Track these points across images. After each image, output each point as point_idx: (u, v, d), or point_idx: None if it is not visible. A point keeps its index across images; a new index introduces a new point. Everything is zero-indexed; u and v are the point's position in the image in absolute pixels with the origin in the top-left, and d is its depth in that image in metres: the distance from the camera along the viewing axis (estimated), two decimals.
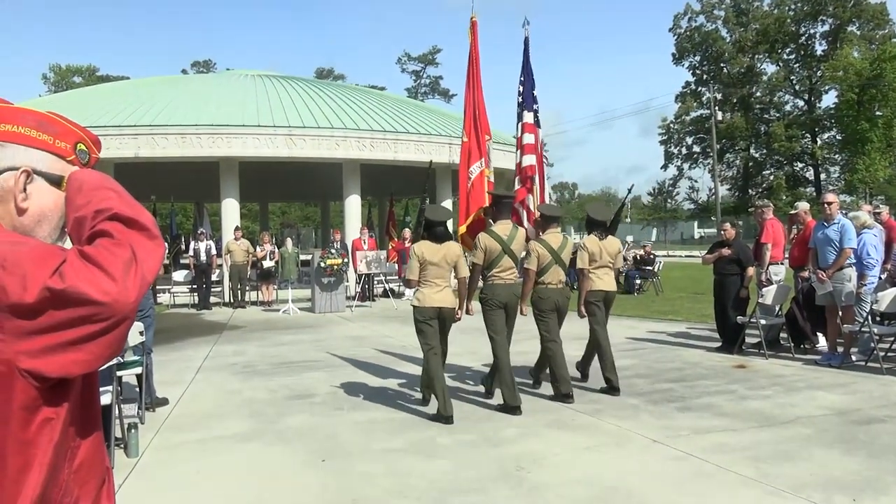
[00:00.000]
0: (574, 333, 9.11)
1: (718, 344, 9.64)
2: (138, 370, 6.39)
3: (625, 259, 20.38)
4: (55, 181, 1.39)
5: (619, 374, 7.35)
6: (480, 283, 6.84)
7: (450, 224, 7.02)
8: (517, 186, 8.67)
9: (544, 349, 7.10)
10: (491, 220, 7.14)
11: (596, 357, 7.51)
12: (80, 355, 1.19)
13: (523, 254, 7.00)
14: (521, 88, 8.90)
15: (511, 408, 6.38)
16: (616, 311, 14.37)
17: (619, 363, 8.67)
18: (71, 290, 1.15)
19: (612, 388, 7.16)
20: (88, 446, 1.35)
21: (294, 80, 24.33)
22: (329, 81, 53.59)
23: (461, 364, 8.78)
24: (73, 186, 1.36)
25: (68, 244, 1.31)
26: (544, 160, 9.41)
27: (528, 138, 8.73)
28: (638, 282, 19.01)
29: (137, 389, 6.59)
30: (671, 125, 63.75)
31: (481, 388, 7.40)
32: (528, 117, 8.78)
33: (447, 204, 20.70)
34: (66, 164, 1.42)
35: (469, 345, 9.88)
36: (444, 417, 6.09)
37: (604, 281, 7.40)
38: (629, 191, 9.88)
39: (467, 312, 6.85)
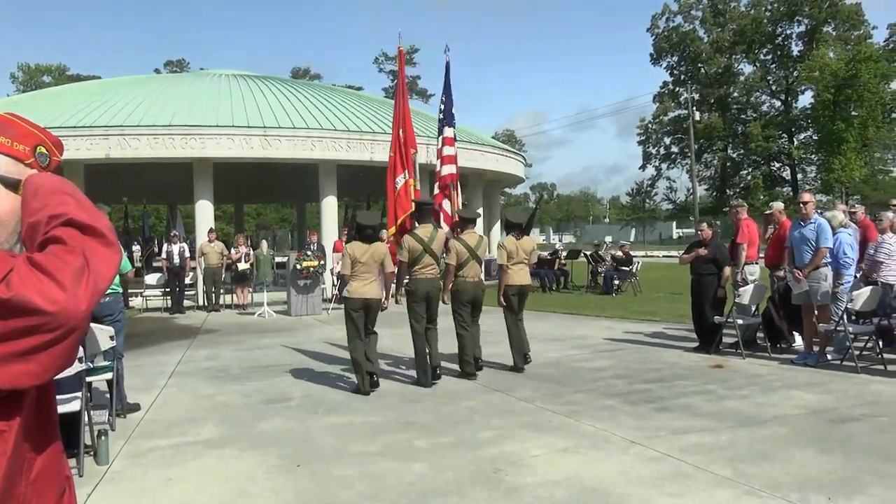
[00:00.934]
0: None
1: (696, 344, 9.71)
2: (109, 375, 6.32)
3: (602, 259, 20.53)
4: (12, 185, 1.36)
5: (597, 374, 7.48)
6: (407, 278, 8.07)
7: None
8: (435, 192, 10.08)
9: (458, 335, 8.18)
10: (416, 224, 8.59)
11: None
12: (31, 366, 1.15)
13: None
14: (442, 107, 10.40)
15: (422, 383, 7.77)
16: (594, 312, 14.53)
17: (596, 364, 8.77)
18: (17, 299, 1.12)
19: (516, 368, 8.45)
20: (46, 458, 1.32)
21: (269, 80, 24.20)
22: (305, 81, 53.31)
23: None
24: (29, 190, 1.33)
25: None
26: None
27: (448, 150, 10.11)
28: (616, 282, 19.11)
29: (108, 395, 6.52)
30: (649, 125, 64.20)
31: (458, 388, 7.42)
32: (449, 132, 10.17)
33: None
34: (25, 168, 1.38)
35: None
36: (363, 392, 7.39)
37: (520, 276, 8.55)
38: (539, 199, 11.03)
39: (396, 302, 8.56)
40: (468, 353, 8.16)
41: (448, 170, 10.05)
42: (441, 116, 10.37)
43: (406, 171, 9.77)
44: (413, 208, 9.19)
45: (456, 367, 8.34)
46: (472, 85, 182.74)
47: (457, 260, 8.13)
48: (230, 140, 17.81)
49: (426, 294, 7.91)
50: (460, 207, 10.04)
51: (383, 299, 7.76)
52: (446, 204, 9.87)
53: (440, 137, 10.19)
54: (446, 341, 8.49)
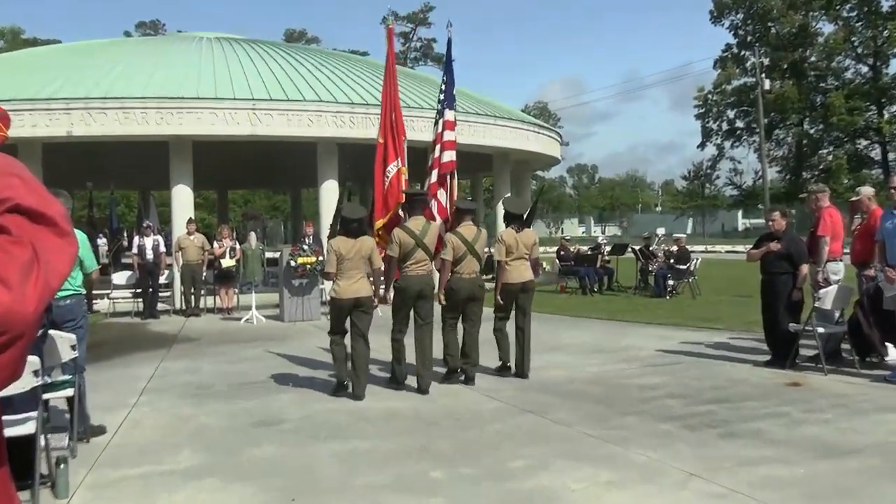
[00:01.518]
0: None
1: (767, 357, 9.62)
2: (69, 392, 6.33)
3: (653, 255, 20.42)
4: None
5: (648, 393, 7.56)
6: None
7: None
8: (432, 180, 10.57)
9: (444, 336, 8.74)
10: (406, 216, 9.13)
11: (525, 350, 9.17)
12: None
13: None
14: (443, 87, 10.97)
15: (397, 383, 8.59)
16: (644, 318, 14.47)
17: (647, 380, 8.72)
18: None
19: (504, 368, 9.21)
20: None
21: (259, 45, 24.29)
22: (301, 46, 53.62)
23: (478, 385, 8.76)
24: None
25: None
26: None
27: (449, 135, 10.65)
28: (670, 283, 19.01)
29: (68, 416, 6.54)
30: (709, 96, 63.89)
31: (483, 409, 7.40)
32: (450, 115, 10.72)
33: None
34: None
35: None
36: (344, 388, 8.25)
37: (519, 272, 8.98)
38: (541, 189, 11.48)
39: (382, 301, 8.86)
40: (452, 351, 8.80)
41: (448, 156, 10.60)
42: (442, 97, 10.92)
43: (399, 159, 10.41)
44: (404, 199, 9.75)
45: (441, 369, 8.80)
46: (496, 48, 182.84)
47: (453, 255, 8.60)
48: (213, 115, 17.89)
49: (418, 292, 8.42)
50: (456, 198, 10.63)
51: (373, 297, 8.40)
52: (441, 194, 10.45)
53: (441, 121, 10.74)
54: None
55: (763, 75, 52.54)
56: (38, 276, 1.15)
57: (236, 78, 19.52)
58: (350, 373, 8.28)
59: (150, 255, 16.90)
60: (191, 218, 17.99)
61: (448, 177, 10.53)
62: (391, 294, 8.86)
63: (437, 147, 10.63)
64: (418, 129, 18.54)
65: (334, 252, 8.18)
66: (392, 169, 10.33)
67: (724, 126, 64.63)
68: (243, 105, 18.14)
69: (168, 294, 18.19)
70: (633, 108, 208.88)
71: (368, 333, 8.42)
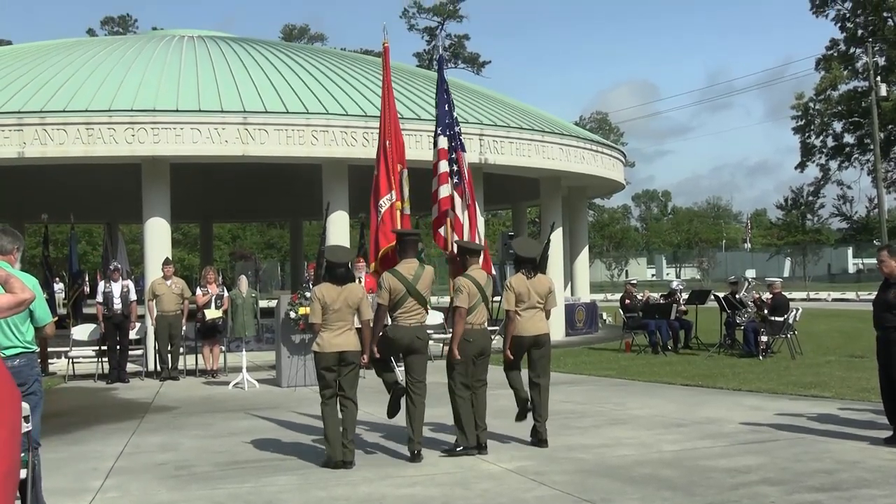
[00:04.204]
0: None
1: (888, 433, 9.52)
2: (21, 474, 6.38)
3: (742, 304, 20.27)
4: None
5: (737, 478, 7.53)
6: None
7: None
8: (434, 215, 11.43)
9: (456, 399, 9.09)
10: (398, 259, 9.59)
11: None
12: None
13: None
14: (436, 111, 11.80)
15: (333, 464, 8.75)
16: (731, 384, 14.36)
17: (736, 462, 8.65)
18: None
19: (539, 441, 9.48)
20: None
21: (251, 45, 24.59)
22: (302, 45, 54.35)
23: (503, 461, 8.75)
24: None
25: None
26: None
27: (443, 166, 11.34)
28: (763, 339, 18.82)
29: (19, 502, 6.59)
30: (810, 104, 63.69)
31: (528, 498, 7.38)
32: (443, 143, 11.43)
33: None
34: None
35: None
36: (333, 462, 8.65)
37: (532, 323, 9.43)
38: (552, 228, 12.25)
39: (371, 357, 9.10)
40: (469, 419, 9.10)
41: (445, 192, 11.37)
42: (437, 124, 11.76)
43: (393, 192, 11.27)
44: (394, 240, 10.39)
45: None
46: (542, 46, 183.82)
47: (468, 302, 9.06)
48: (195, 131, 18.11)
49: (408, 345, 9.02)
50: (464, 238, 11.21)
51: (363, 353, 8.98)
52: (444, 230, 11.40)
53: (435, 150, 11.56)
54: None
55: (878, 78, 52.33)
56: None
57: (224, 86, 19.72)
58: (339, 439, 8.75)
59: (117, 304, 16.95)
60: (168, 258, 18.11)
61: (449, 214, 11.31)
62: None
63: (434, 181, 11.41)
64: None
65: (318, 300, 8.78)
66: (385, 203, 11.15)
67: (830, 142, 64.38)
68: (232, 119, 18.33)
69: (140, 352, 18.25)
70: (717, 121, 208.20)
71: (356, 393, 9.02)
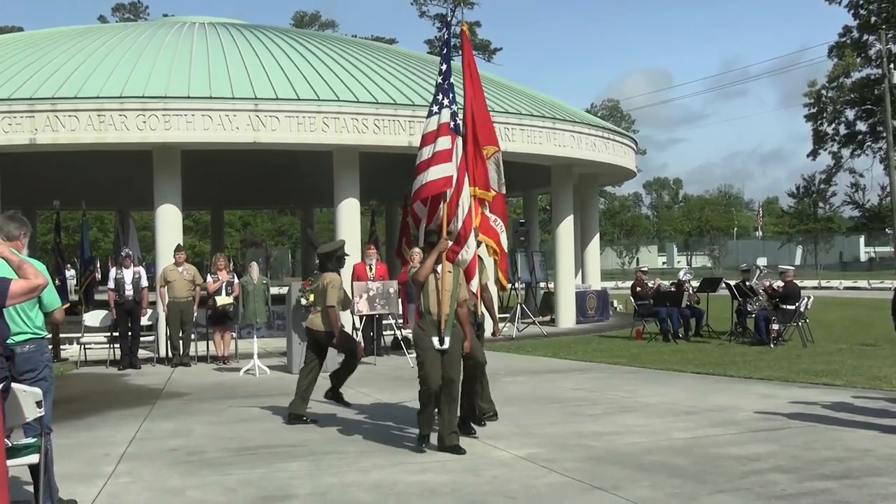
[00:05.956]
0: None
1: None
2: (34, 459, 6.37)
3: (753, 292, 20.22)
4: None
5: (748, 465, 7.55)
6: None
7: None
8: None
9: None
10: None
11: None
12: None
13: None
14: (439, 79, 10.96)
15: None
16: (742, 372, 14.33)
17: (748, 450, 8.64)
18: None
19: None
20: None
21: (263, 31, 24.55)
22: (314, 32, 54.25)
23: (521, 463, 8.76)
24: None
25: None
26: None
27: (444, 142, 10.27)
28: (775, 327, 18.78)
29: (32, 488, 6.60)
30: (823, 91, 63.41)
31: (539, 485, 7.38)
32: (447, 115, 10.48)
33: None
34: None
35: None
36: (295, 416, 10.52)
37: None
38: (521, 223, 12.02)
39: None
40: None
41: (438, 172, 10.28)
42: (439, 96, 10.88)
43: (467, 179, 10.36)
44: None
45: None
46: (554, 31, 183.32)
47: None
48: (206, 118, 18.09)
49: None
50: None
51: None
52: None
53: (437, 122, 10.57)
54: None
55: (891, 65, 52.06)
56: None
57: (235, 73, 19.69)
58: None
59: (129, 290, 16.99)
60: (179, 245, 18.16)
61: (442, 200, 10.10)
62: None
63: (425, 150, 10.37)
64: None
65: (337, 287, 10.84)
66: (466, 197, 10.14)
67: (842, 129, 64.09)
68: (243, 106, 18.31)
69: (151, 339, 18.33)
70: (730, 108, 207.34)
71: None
